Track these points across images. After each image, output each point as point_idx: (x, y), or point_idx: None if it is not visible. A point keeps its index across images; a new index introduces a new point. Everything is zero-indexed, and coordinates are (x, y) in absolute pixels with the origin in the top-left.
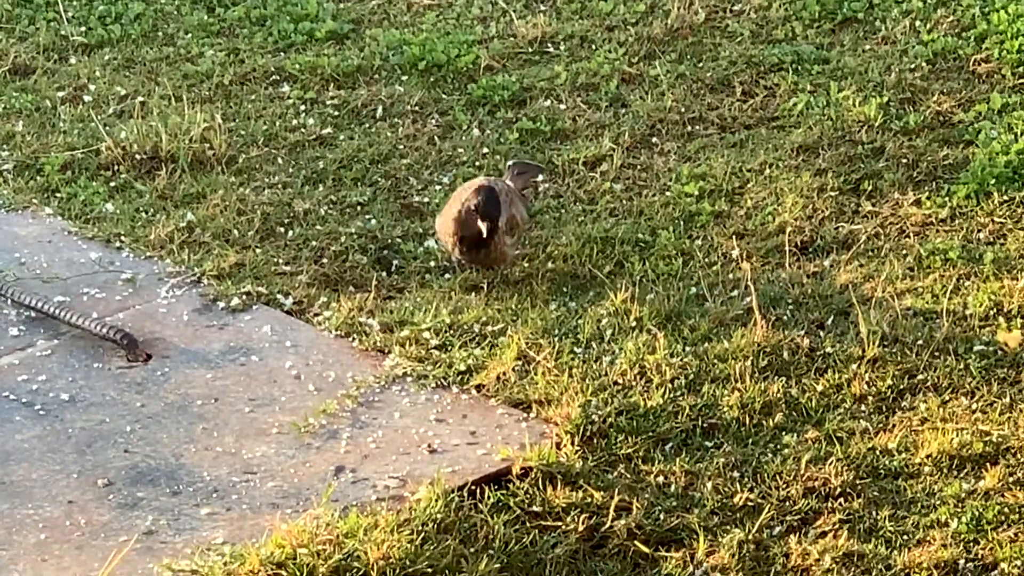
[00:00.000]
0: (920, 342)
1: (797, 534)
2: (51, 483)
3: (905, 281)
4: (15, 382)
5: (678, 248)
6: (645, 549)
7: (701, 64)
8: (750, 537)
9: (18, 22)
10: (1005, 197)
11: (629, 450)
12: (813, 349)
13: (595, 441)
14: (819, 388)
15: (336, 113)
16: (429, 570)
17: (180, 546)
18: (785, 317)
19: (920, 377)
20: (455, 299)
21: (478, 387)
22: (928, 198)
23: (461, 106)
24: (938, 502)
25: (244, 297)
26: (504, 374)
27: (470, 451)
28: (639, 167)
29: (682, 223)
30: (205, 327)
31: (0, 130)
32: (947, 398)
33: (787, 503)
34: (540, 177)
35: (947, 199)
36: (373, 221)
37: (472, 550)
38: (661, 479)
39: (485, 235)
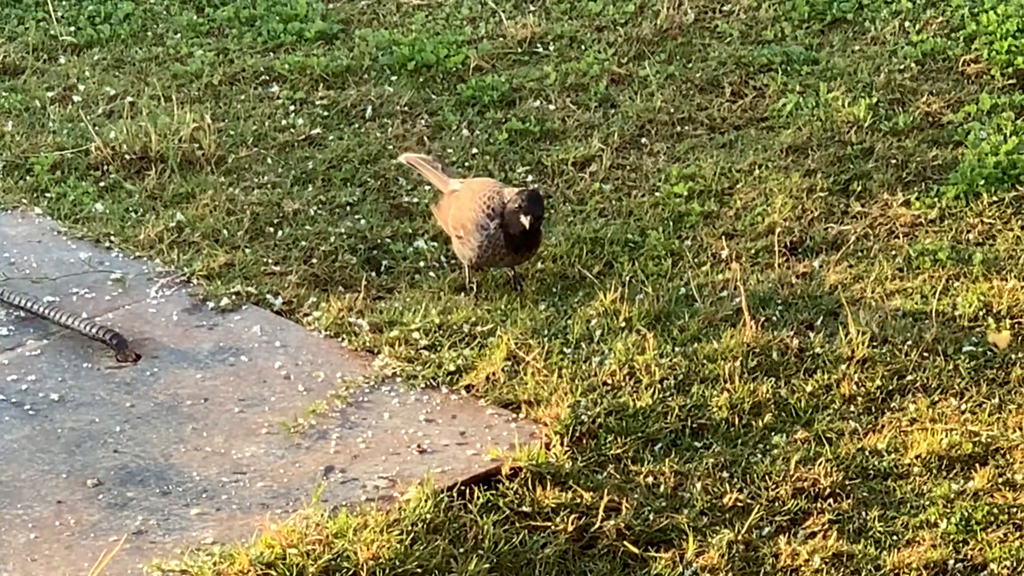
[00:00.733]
0: (909, 343)
1: (786, 534)
2: (40, 483)
3: (894, 282)
4: (4, 382)
5: (667, 248)
6: (634, 549)
7: (690, 65)
8: (739, 537)
9: (7, 22)
10: (994, 198)
11: (618, 450)
12: (802, 350)
13: (584, 441)
14: (808, 389)
15: (325, 113)
16: (419, 570)
17: (170, 546)
18: (774, 317)
19: (909, 378)
20: (444, 299)
21: (467, 387)
22: (917, 199)
23: (450, 106)
24: (927, 503)
25: (233, 297)
26: (493, 374)
27: (459, 451)
28: (628, 167)
29: (671, 223)
30: (194, 327)
31: None
32: (936, 399)
33: (776, 503)
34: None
35: (936, 200)
36: (362, 221)
37: (461, 550)
38: (650, 479)
39: (529, 228)
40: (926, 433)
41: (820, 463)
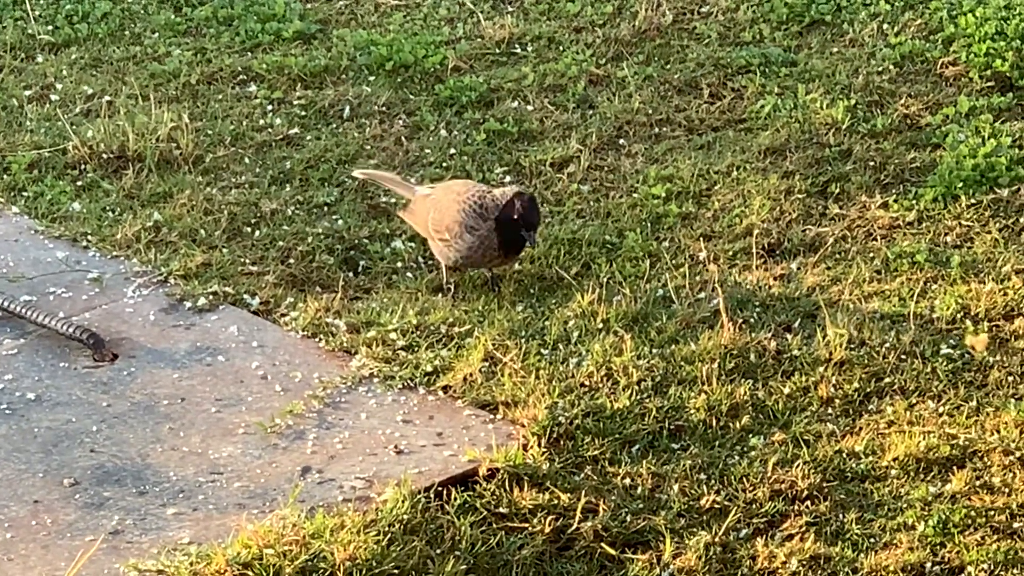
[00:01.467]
0: (887, 345)
1: (764, 536)
2: (17, 482)
3: (872, 284)
4: None
5: (645, 250)
6: (611, 551)
7: (668, 66)
8: (717, 539)
9: None
10: (972, 200)
11: (596, 452)
12: (780, 352)
13: (562, 443)
14: (786, 391)
15: (303, 113)
16: (395, 571)
17: (146, 546)
18: (752, 319)
19: (887, 380)
20: (422, 300)
21: (445, 388)
22: (895, 201)
23: (428, 107)
24: (905, 505)
25: (211, 297)
26: (471, 375)
27: (437, 452)
28: (606, 168)
29: (649, 225)
30: (172, 327)
31: None
32: (914, 401)
33: (754, 505)
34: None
35: (914, 202)
36: (340, 221)
37: (438, 551)
38: (628, 481)
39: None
40: (904, 436)
41: (797, 465)
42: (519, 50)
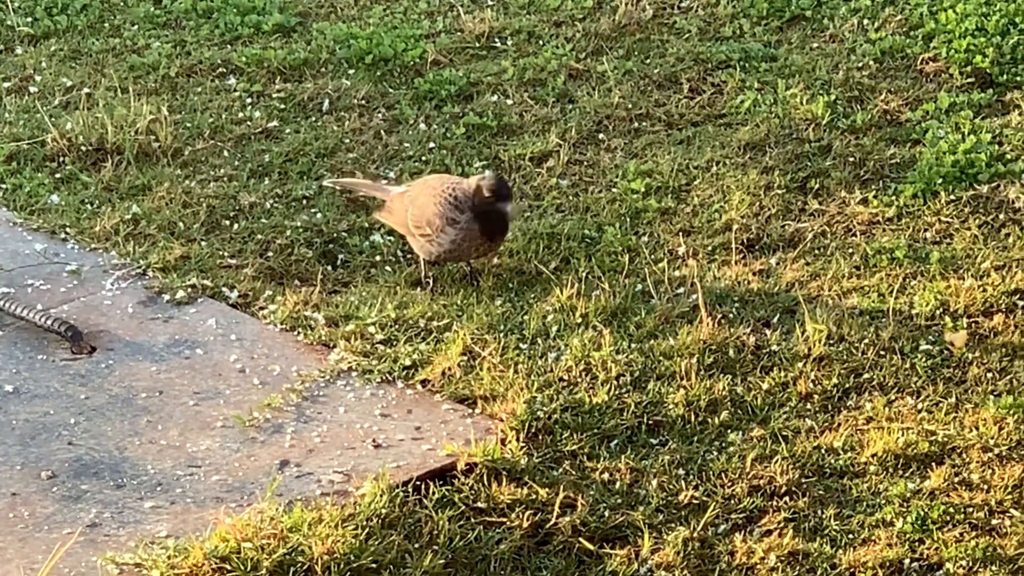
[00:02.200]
0: (866, 341)
1: (742, 532)
2: None
3: (851, 280)
4: None
5: (624, 245)
6: (590, 546)
7: (648, 61)
8: (695, 535)
9: None
10: (952, 196)
11: (574, 447)
12: (759, 347)
13: (540, 437)
14: (765, 386)
15: (282, 106)
16: (373, 565)
17: (124, 539)
18: (731, 315)
19: (866, 376)
20: (400, 294)
21: (423, 382)
22: (875, 197)
23: (408, 100)
24: (883, 501)
25: (189, 290)
26: (449, 369)
27: (415, 446)
28: (586, 163)
29: (628, 220)
30: (150, 320)
31: None
32: (893, 397)
33: (732, 501)
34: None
35: (894, 198)
36: (319, 215)
37: (416, 546)
38: (606, 476)
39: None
40: (882, 432)
41: (776, 461)
42: (499, 44)
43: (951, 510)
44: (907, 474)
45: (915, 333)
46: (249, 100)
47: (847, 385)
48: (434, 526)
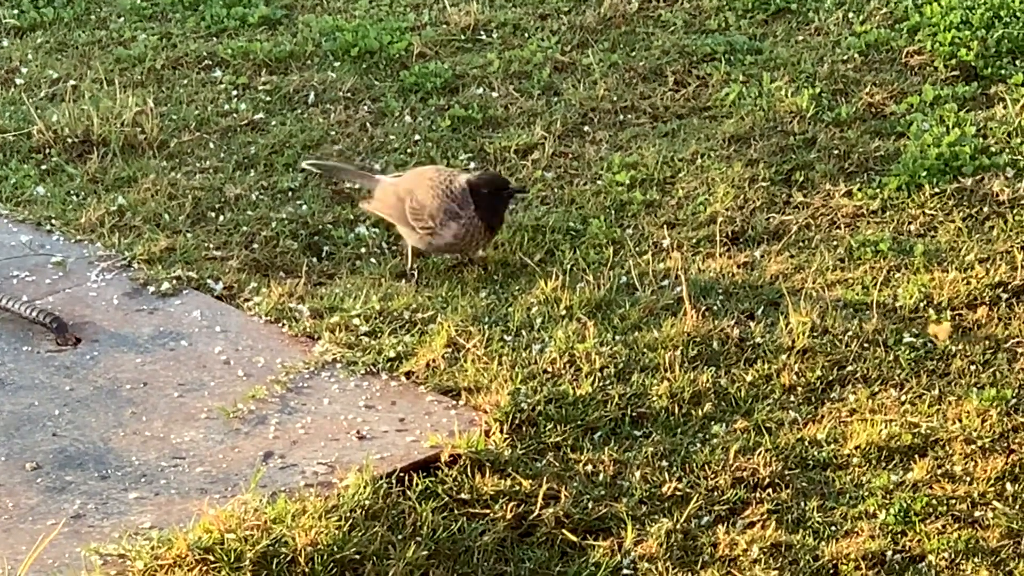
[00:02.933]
0: (850, 333)
1: (725, 524)
2: None
3: (835, 272)
4: None
5: (609, 237)
6: (573, 538)
7: (634, 53)
8: (678, 526)
9: None
10: (936, 189)
11: (558, 438)
12: (743, 339)
13: (524, 429)
14: (748, 378)
15: (268, 99)
16: (357, 556)
17: (108, 530)
18: (715, 307)
19: (849, 368)
20: (385, 286)
21: (407, 374)
22: (859, 190)
23: (393, 93)
24: (866, 493)
25: (174, 282)
26: (433, 361)
27: (399, 438)
28: (571, 155)
29: (613, 212)
30: (135, 311)
31: None
32: (876, 390)
33: (715, 493)
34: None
35: (878, 191)
36: (304, 207)
37: (400, 537)
38: (590, 468)
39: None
40: (866, 424)
41: (759, 453)
42: (484, 37)
43: (934, 502)
44: (890, 466)
45: (899, 326)
46: (235, 92)
47: (831, 377)
48: (417, 517)
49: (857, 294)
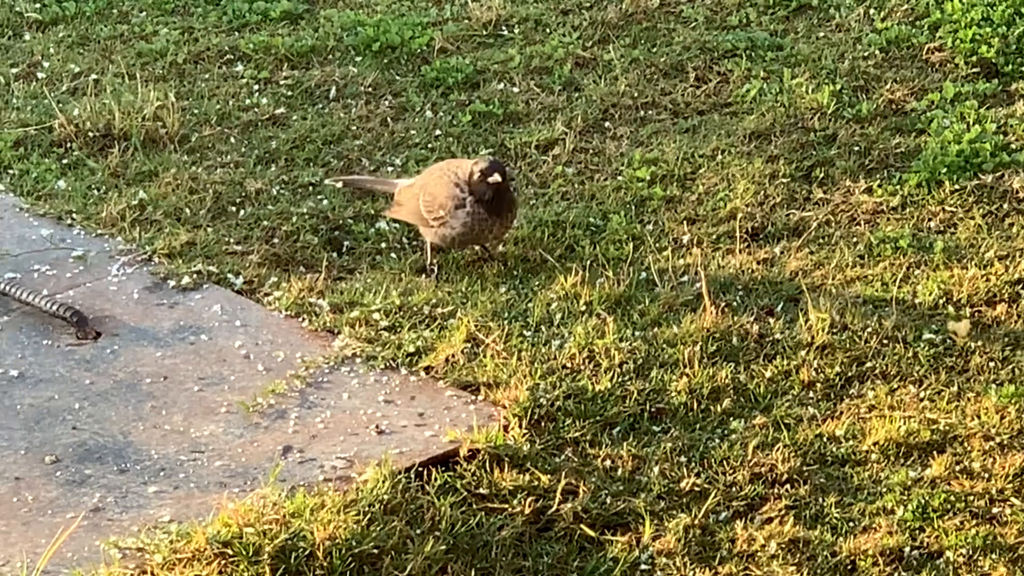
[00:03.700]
0: (869, 330)
1: (743, 519)
2: None
3: (855, 269)
4: None
5: (629, 233)
6: (591, 532)
7: (655, 49)
8: (696, 522)
9: None
10: (956, 186)
11: (577, 434)
12: (762, 335)
13: (543, 424)
14: (767, 374)
15: (289, 93)
16: (375, 551)
17: (127, 523)
18: (735, 303)
19: (868, 365)
20: (405, 281)
21: (427, 369)
22: (879, 186)
23: (414, 88)
24: (884, 489)
25: (195, 276)
26: (453, 356)
27: (418, 433)
28: (591, 151)
29: (633, 208)
30: (155, 305)
31: None
32: (895, 386)
33: (734, 488)
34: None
35: (898, 187)
36: (325, 202)
37: (418, 531)
38: (608, 463)
39: (501, 181)
40: (884, 420)
41: (778, 449)
42: (506, 32)
43: (952, 498)
44: (908, 462)
45: (918, 322)
46: (256, 87)
47: (849, 373)
48: (436, 512)
49: (876, 290)
